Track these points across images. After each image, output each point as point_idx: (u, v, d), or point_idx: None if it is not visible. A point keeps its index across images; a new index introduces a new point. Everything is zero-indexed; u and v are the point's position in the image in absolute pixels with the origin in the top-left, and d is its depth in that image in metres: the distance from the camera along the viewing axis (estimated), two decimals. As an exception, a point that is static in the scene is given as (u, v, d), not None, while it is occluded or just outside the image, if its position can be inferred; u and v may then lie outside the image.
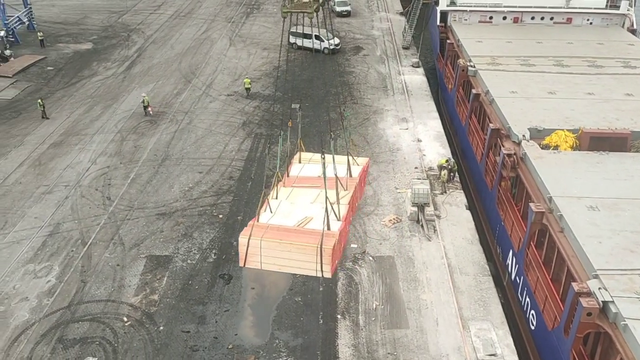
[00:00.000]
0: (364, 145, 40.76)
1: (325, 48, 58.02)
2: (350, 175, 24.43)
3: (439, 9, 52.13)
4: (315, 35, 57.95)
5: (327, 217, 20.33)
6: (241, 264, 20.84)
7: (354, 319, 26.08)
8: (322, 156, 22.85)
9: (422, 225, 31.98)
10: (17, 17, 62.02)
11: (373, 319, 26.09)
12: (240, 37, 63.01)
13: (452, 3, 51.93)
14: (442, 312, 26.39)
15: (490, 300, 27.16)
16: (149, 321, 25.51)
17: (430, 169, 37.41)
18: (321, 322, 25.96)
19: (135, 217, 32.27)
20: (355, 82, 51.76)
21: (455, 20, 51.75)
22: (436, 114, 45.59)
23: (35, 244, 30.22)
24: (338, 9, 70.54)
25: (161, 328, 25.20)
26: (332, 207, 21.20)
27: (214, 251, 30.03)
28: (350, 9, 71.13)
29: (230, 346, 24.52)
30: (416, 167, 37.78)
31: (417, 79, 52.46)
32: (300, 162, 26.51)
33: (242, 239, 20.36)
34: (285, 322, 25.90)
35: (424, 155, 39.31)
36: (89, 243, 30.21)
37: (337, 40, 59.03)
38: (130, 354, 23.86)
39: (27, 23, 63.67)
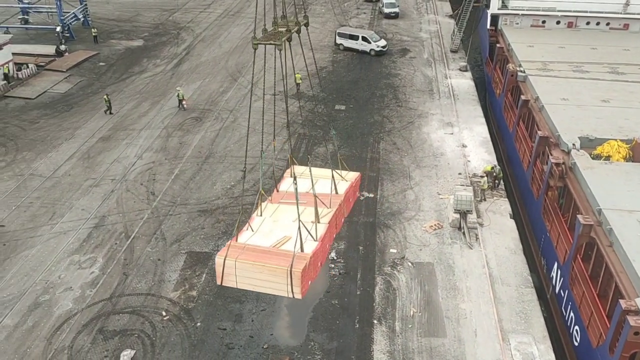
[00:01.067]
0: (407, 148, 40.29)
1: (371, 50, 57.75)
2: (336, 192, 24.26)
3: (489, 12, 51.08)
4: (362, 37, 57.98)
5: (301, 238, 20.64)
6: (218, 282, 21.26)
7: (391, 325, 25.76)
8: (293, 176, 22.81)
9: (463, 233, 31.36)
10: (73, 13, 63.91)
11: (410, 326, 25.72)
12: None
13: (504, 6, 50.81)
14: (482, 322, 25.79)
15: (533, 313, 26.39)
16: (186, 317, 25.80)
17: (475, 175, 36.66)
18: (357, 326, 25.74)
19: (178, 213, 32.74)
20: (400, 84, 51.25)
21: (506, 23, 50.63)
22: (483, 120, 44.69)
23: (81, 235, 30.99)
24: (386, 10, 70.06)
25: (198, 324, 25.45)
26: (307, 226, 21.36)
27: (253, 250, 30.14)
28: (399, 11, 70.52)
29: (265, 346, 24.56)
30: (460, 173, 37.10)
31: (464, 83, 51.57)
32: (292, 176, 25.57)
33: (219, 259, 20.87)
34: (321, 324, 25.79)
35: (469, 161, 38.56)
36: (132, 237, 30.80)
37: (383, 42, 58.63)
38: (167, 348, 24.18)
39: (82, 19, 65.49)
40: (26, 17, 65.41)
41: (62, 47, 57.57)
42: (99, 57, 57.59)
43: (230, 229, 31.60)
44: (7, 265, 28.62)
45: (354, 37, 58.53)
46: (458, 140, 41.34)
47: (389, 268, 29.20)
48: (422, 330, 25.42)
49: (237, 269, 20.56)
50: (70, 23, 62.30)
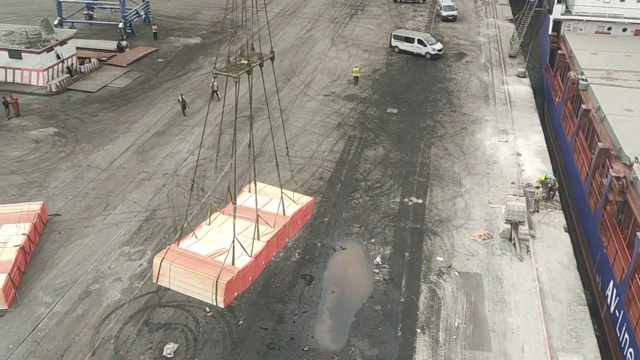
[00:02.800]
0: (459, 155, 39.46)
1: (427, 53, 56.92)
2: (284, 214, 25.71)
3: (552, 17, 49.50)
4: (418, 40, 57.22)
5: (234, 253, 22.32)
6: (154, 280, 23.09)
7: (434, 335, 25.23)
8: (227, 199, 25.48)
9: (514, 244, 30.43)
10: (135, 10, 65.65)
11: (454, 337, 25.12)
12: (343, 38, 63.13)
13: (567, 12, 49.14)
14: (530, 338, 24.94)
15: (584, 331, 25.34)
16: (229, 314, 25.99)
17: (529, 185, 35.55)
18: (399, 334, 25.33)
19: (226, 210, 33.07)
20: (455, 89, 50.29)
21: (569, 29, 48.95)
22: (539, 128, 43.32)
23: (132, 227, 31.71)
24: (444, 13, 68.94)
25: (240, 322, 25.60)
26: (247, 242, 23.32)
27: (297, 251, 30.15)
28: (457, 14, 69.26)
29: (305, 348, 24.47)
30: (513, 183, 36.04)
31: (521, 89, 50.14)
32: (250, 191, 27.43)
33: (156, 260, 22.70)
34: (363, 330, 25.51)
35: (523, 170, 37.44)
36: (180, 231, 31.20)
37: (440, 46, 57.69)
38: (209, 344, 24.42)
39: (143, 16, 67.17)
40: (91, 12, 67.59)
41: (123, 43, 59.21)
42: (158, 53, 58.94)
43: (277, 229, 31.71)
44: (61, 253, 29.57)
45: (409, 40, 57.84)
46: (512, 148, 40.20)
47: (435, 276, 28.63)
48: (466, 343, 24.79)
49: (171, 271, 22.33)
50: (132, 20, 64.02)
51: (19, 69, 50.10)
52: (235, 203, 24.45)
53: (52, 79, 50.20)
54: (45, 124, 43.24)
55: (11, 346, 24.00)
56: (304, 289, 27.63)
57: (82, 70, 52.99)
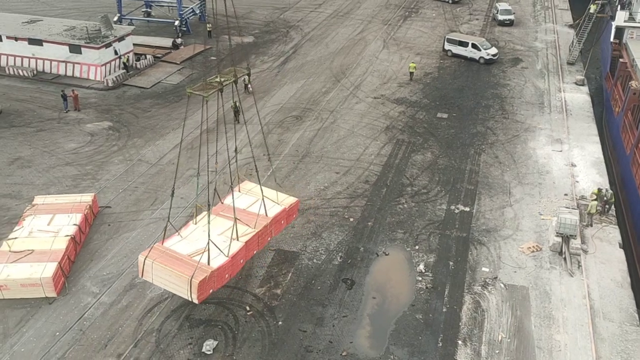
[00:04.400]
0: (510, 163, 38.42)
1: (481, 57, 55.77)
2: (266, 215, 27.10)
3: (614, 23, 47.64)
4: (472, 44, 56.11)
5: (209, 254, 24.04)
6: (139, 275, 25.13)
7: (476, 348, 24.57)
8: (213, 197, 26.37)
9: (564, 258, 29.37)
10: (191, 8, 66.93)
11: (497, 351, 24.41)
12: (395, 41, 62.55)
13: (631, 19, 47.19)
14: (577, 358, 23.99)
15: (636, 353, 24.19)
16: (269, 314, 26.04)
17: (583, 197, 34.27)
18: (440, 344, 24.80)
19: (270, 210, 33.17)
20: (509, 95, 49.05)
21: (632, 37, 46.97)
22: (597, 138, 41.72)
23: (178, 223, 32.01)
24: (500, 17, 67.38)
25: (280, 323, 25.59)
26: (226, 242, 25.21)
27: (340, 254, 29.96)
28: (514, 18, 67.58)
29: (344, 353, 24.24)
30: (566, 194, 34.82)
31: (579, 97, 48.45)
32: (240, 191, 29.26)
33: (140, 257, 24.73)
34: (403, 338, 25.09)
35: (577, 181, 36.12)
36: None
37: (494, 50, 56.41)
38: (248, 343, 24.50)
39: (199, 14, 68.42)
40: (149, 10, 69.30)
41: (179, 41, 60.40)
42: (211, 51, 59.82)
43: (320, 231, 31.64)
44: (109, 244, 30.29)
45: (463, 44, 56.78)
46: (567, 158, 38.86)
47: (480, 287, 27.92)
48: (509, 358, 24.06)
49: (153, 268, 24.26)
50: (188, 18, 65.26)
51: (78, 63, 51.76)
52: (209, 208, 25.80)
53: (109, 74, 51.64)
54: (100, 118, 44.50)
55: (57, 333, 24.70)
56: (344, 293, 27.40)
57: (138, 66, 54.31)
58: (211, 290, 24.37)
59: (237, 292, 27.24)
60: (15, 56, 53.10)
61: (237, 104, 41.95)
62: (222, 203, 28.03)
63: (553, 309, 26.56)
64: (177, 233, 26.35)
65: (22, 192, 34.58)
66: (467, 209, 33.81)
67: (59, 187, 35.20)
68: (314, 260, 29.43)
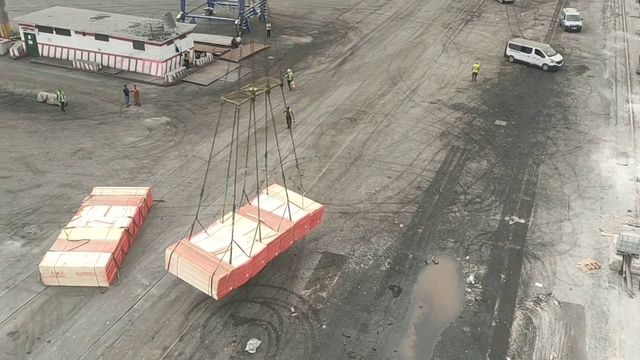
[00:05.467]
0: (570, 175, 36.98)
1: (544, 64, 54.03)
2: (290, 219, 27.75)
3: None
4: (536, 50, 54.41)
5: (231, 252, 24.92)
6: (166, 268, 26.28)
7: (525, 367, 23.73)
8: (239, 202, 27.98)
9: (625, 278, 28.00)
10: (252, 7, 67.71)
11: (547, 371, 23.50)
12: (455, 44, 61.38)
13: None
14: (633, 384, 22.80)
15: (699, 385, 22.79)
16: (313, 317, 25.92)
17: (647, 215, 32.65)
18: (487, 360, 24.09)
19: (320, 212, 33.08)
20: (572, 104, 47.27)
21: None
22: (666, 153, 39.71)
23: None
24: (567, 23, 65.09)
25: (324, 327, 25.42)
26: (250, 243, 26.08)
27: (388, 260, 29.54)
28: (581, 25, 65.15)
29: (387, 362, 23.88)
30: (629, 211, 33.21)
31: (648, 109, 46.25)
32: (267, 194, 30.26)
33: (168, 251, 25.91)
34: (449, 350, 24.47)
35: (642, 198, 34.47)
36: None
37: (559, 57, 54.52)
38: (291, 345, 24.45)
39: (259, 14, 69.14)
40: (211, 8, 70.50)
41: (238, 39, 61.17)
42: (269, 50, 60.27)
43: (369, 235, 31.31)
44: (161, 238, 30.89)
45: (526, 50, 55.13)
46: (632, 173, 37.09)
47: (532, 303, 26.94)
48: (560, 379, 23.11)
49: (178, 262, 25.34)
50: (248, 17, 66.03)
51: (141, 59, 53.18)
52: (234, 210, 26.48)
53: (170, 70, 52.81)
54: (159, 113, 45.55)
55: (108, 323, 25.35)
56: (390, 300, 26.99)
57: (198, 63, 55.31)
58: (231, 288, 25.12)
59: (282, 292, 27.26)
60: (82, 50, 55.04)
61: (290, 110, 42.03)
62: (250, 204, 28.72)
63: (610, 330, 25.34)
64: (204, 230, 27.29)
65: (82, 183, 35.74)
66: (523, 220, 32.72)
67: (117, 179, 36.20)
68: (361, 265, 29.13)
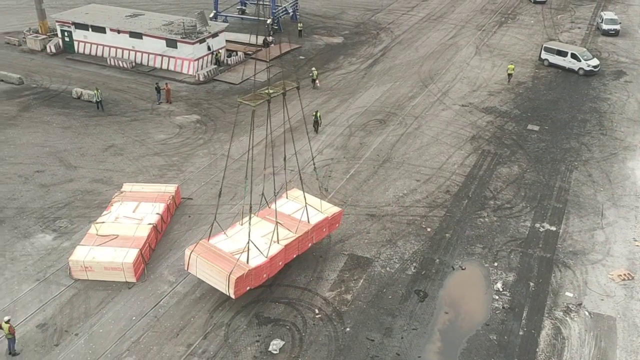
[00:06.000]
0: (604, 183, 36.08)
1: (580, 68, 52.89)
2: (308, 221, 28.22)
3: None
4: (572, 54, 53.31)
5: (248, 253, 25.42)
6: (185, 268, 26.74)
7: (552, 378, 23.20)
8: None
9: (659, 291, 27.20)
10: (284, 7, 67.88)
11: (575, 383, 22.94)
12: (488, 47, 60.52)
13: None
14: (666, 401, 22.10)
15: None
16: (337, 319, 25.78)
17: (684, 226, 31.64)
18: (513, 370, 23.62)
19: (346, 213, 32.89)
20: (608, 110, 46.15)
21: None
22: None
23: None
24: (605, 27, 63.60)
25: (347, 329, 25.27)
26: (268, 244, 26.55)
27: (414, 264, 29.23)
28: (619, 28, 63.60)
29: (410, 367, 23.61)
30: (666, 221, 32.28)
31: (688, 116, 44.87)
32: (287, 197, 30.81)
33: (187, 251, 26.41)
34: (474, 358, 24.08)
35: (679, 208, 33.42)
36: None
37: (596, 62, 53.29)
38: (314, 347, 24.36)
39: (291, 14, 69.28)
40: (243, 7, 70.97)
41: (269, 39, 61.39)
42: (300, 50, 60.39)
43: (396, 238, 31.03)
44: (188, 235, 31.12)
45: (562, 53, 54.04)
46: (669, 182, 36.05)
47: (561, 313, 26.34)
48: (589, 392, 22.53)
49: (197, 262, 25.89)
50: (280, 16, 66.21)
51: (173, 57, 53.77)
52: (250, 210, 27.11)
53: (201, 68, 53.27)
54: (190, 111, 45.97)
55: (134, 318, 25.63)
56: (416, 305, 26.68)
57: (229, 62, 55.68)
58: (248, 288, 25.48)
59: (307, 293, 27.19)
60: (116, 48, 55.91)
61: (319, 114, 41.85)
62: (269, 208, 29.21)
63: (642, 344, 24.65)
64: (223, 232, 27.83)
65: (113, 178, 36.26)
66: (554, 228, 32.05)
67: (146, 176, 36.63)
68: (387, 269, 28.88)
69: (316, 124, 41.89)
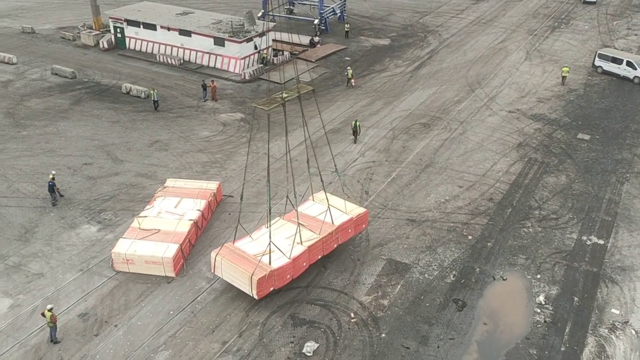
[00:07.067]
0: (658, 197, 34.65)
1: (636, 77, 50.98)
2: (332, 223, 28.40)
3: None
4: (627, 61, 51.49)
5: (270, 255, 25.91)
6: (212, 270, 27.24)
7: (594, 398, 22.36)
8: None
9: None
10: (332, 8, 67.86)
11: (618, 405, 22.04)
12: (539, 52, 59.01)
13: None
14: None
15: None
16: (373, 324, 25.51)
17: None
18: (553, 386, 22.88)
19: (386, 217, 32.58)
20: (664, 121, 44.36)
21: None
22: None
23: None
24: (664, 33, 61.16)
25: (383, 335, 24.97)
26: (288, 245, 26.91)
27: (453, 272, 28.67)
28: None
29: (446, 378, 23.14)
30: None
31: None
32: (313, 200, 31.10)
33: (212, 254, 27.02)
34: (512, 372, 23.45)
35: None
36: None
37: (653, 70, 51.28)
38: (348, 351, 24.15)
39: (338, 14, 69.18)
40: (291, 7, 71.31)
41: (316, 39, 61.46)
42: (346, 51, 60.21)
43: (436, 245, 30.53)
44: (227, 233, 31.29)
45: (617, 61, 52.21)
46: None
47: (606, 330, 25.37)
48: (632, 415, 21.61)
49: (222, 264, 26.51)
50: (327, 17, 66.21)
51: (220, 55, 54.42)
52: (269, 213, 27.85)
53: (247, 67, 53.74)
54: (234, 109, 46.40)
55: (171, 312, 25.98)
56: (454, 314, 26.15)
57: (275, 61, 55.96)
58: (272, 288, 25.91)
59: (343, 297, 27.01)
60: (166, 45, 56.96)
61: (358, 123, 41.26)
62: (295, 210, 29.34)
63: (692, 368, 23.50)
64: (248, 235, 28.27)
65: (157, 173, 36.90)
66: (602, 241, 30.94)
67: (189, 172, 37.13)
68: (426, 275, 28.43)
69: (355, 132, 41.27)
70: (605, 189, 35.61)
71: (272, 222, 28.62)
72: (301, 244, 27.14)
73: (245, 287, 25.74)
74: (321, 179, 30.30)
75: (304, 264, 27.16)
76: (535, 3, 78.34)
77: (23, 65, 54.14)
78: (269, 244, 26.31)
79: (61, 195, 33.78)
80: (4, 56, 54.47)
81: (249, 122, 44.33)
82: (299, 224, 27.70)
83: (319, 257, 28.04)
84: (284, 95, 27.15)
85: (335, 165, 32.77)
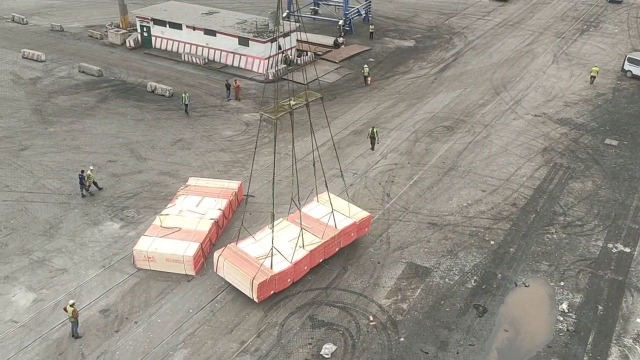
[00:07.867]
0: (688, 205, 33.81)
1: (667, 81, 49.91)
2: (335, 227, 28.58)
3: None
4: (657, 66, 50.39)
5: (271, 259, 26.05)
6: (214, 270, 27.44)
7: (617, 409, 21.89)
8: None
9: None
10: (357, 9, 67.68)
11: (642, 418, 21.53)
12: (567, 55, 58.10)
13: None
14: None
15: None
16: (392, 328, 25.32)
17: None
18: (575, 397, 22.45)
19: (407, 220, 32.34)
20: (695, 127, 43.30)
21: None
22: None
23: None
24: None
25: (402, 339, 24.77)
26: (291, 248, 27.26)
27: (475, 277, 28.32)
28: None
29: (465, 384, 22.86)
30: None
31: None
32: (317, 201, 31.17)
33: (216, 255, 27.19)
34: (533, 381, 23.08)
35: None
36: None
37: (685, 75, 50.16)
38: (366, 354, 24.00)
39: (363, 15, 68.97)
40: (316, 8, 71.30)
41: (340, 40, 61.33)
42: (370, 52, 60.01)
43: (457, 249, 30.21)
44: (246, 233, 31.36)
45: (646, 65, 51.17)
46: None
47: (631, 340, 24.83)
48: None
49: (224, 266, 26.67)
50: (352, 18, 66.06)
51: (244, 55, 54.65)
52: (272, 218, 27.27)
53: (271, 67, 53.85)
54: (257, 109, 46.51)
55: (191, 311, 26.11)
56: (474, 320, 25.83)
57: (299, 62, 56.00)
58: (272, 292, 26.15)
59: (362, 299, 26.86)
60: (191, 44, 57.40)
61: (376, 130, 40.81)
62: (300, 211, 29.21)
63: None
64: (251, 236, 28.40)
65: (180, 172, 37.17)
66: (628, 249, 30.29)
67: (211, 171, 37.32)
68: (446, 280, 28.14)
69: (373, 139, 40.34)
70: (632, 196, 34.88)
71: (277, 222, 28.67)
72: (303, 248, 27.30)
73: (246, 290, 26.08)
74: (325, 182, 30.22)
75: (305, 267, 27.38)
76: (564, 5, 77.20)
77: (51, 62, 55.03)
78: (271, 248, 26.38)
79: (99, 188, 34.58)
80: (33, 53, 55.45)
81: (271, 122, 44.33)
82: (301, 228, 27.81)
83: (320, 260, 28.26)
84: (292, 102, 27.17)
85: (341, 171, 32.26)
